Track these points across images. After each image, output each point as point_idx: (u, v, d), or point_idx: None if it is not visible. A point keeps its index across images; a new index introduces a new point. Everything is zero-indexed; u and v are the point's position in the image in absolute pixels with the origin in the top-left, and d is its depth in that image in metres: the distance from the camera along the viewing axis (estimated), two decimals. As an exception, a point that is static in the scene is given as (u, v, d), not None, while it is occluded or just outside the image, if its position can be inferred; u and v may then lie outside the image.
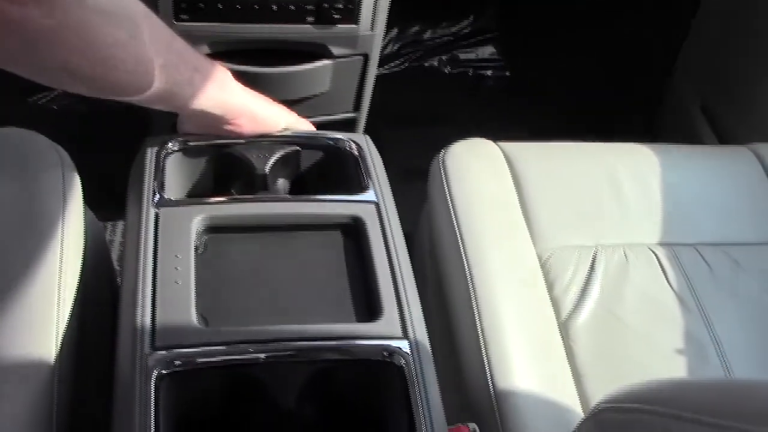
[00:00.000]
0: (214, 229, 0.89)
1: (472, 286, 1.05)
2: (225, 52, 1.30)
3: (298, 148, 1.01)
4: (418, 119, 1.92)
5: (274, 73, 1.31)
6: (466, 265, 1.07)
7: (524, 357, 1.01)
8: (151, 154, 0.96)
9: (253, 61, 1.30)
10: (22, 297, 0.88)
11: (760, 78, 1.53)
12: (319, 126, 1.41)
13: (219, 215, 0.89)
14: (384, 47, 2.11)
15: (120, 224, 1.66)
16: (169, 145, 0.98)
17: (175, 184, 0.98)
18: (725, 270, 1.14)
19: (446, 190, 1.14)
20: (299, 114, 1.40)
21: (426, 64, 2.13)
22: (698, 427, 0.52)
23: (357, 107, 1.44)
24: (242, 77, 1.29)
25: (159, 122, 1.41)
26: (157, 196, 0.91)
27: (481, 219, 1.12)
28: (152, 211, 0.88)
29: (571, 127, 1.35)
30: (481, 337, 1.00)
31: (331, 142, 1.03)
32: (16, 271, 0.89)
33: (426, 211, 1.22)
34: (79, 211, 1.00)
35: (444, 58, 2.14)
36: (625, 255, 1.13)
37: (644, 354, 1.04)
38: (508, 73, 2.14)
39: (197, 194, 1.01)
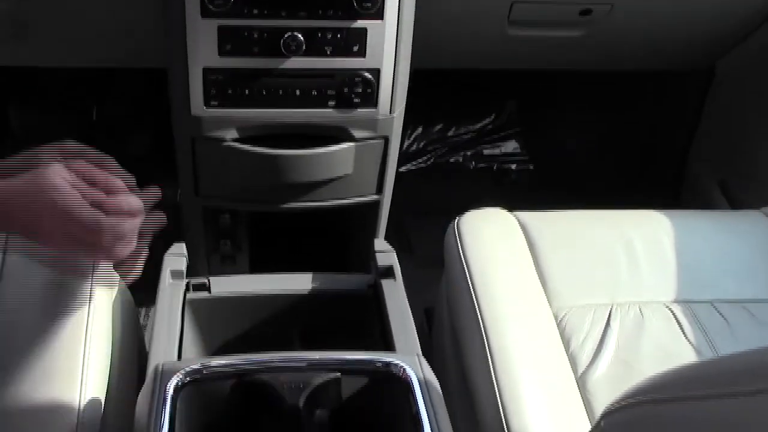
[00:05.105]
0: None
1: (488, 346, 1.06)
2: (252, 137, 1.37)
3: (338, 374, 0.86)
4: (442, 210, 1.96)
5: (300, 155, 1.36)
6: (481, 325, 1.08)
7: (542, 413, 1.01)
8: (157, 390, 0.81)
9: (279, 145, 1.36)
10: (49, 349, 0.93)
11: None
12: (344, 208, 1.47)
13: None
14: (410, 145, 2.18)
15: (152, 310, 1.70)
16: (179, 376, 0.83)
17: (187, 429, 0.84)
18: (744, 325, 1.14)
19: (460, 252, 1.17)
20: (324, 197, 1.46)
21: (451, 160, 2.19)
22: (688, 403, 0.54)
23: (380, 189, 1.48)
24: (269, 160, 1.37)
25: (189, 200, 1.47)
26: None
27: (496, 279, 1.14)
28: None
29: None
30: (498, 395, 1.01)
31: (378, 367, 0.87)
32: (45, 325, 0.95)
33: (444, 277, 1.24)
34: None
35: (468, 153, 2.20)
36: (641, 312, 1.14)
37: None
38: (531, 167, 2.19)
39: None
